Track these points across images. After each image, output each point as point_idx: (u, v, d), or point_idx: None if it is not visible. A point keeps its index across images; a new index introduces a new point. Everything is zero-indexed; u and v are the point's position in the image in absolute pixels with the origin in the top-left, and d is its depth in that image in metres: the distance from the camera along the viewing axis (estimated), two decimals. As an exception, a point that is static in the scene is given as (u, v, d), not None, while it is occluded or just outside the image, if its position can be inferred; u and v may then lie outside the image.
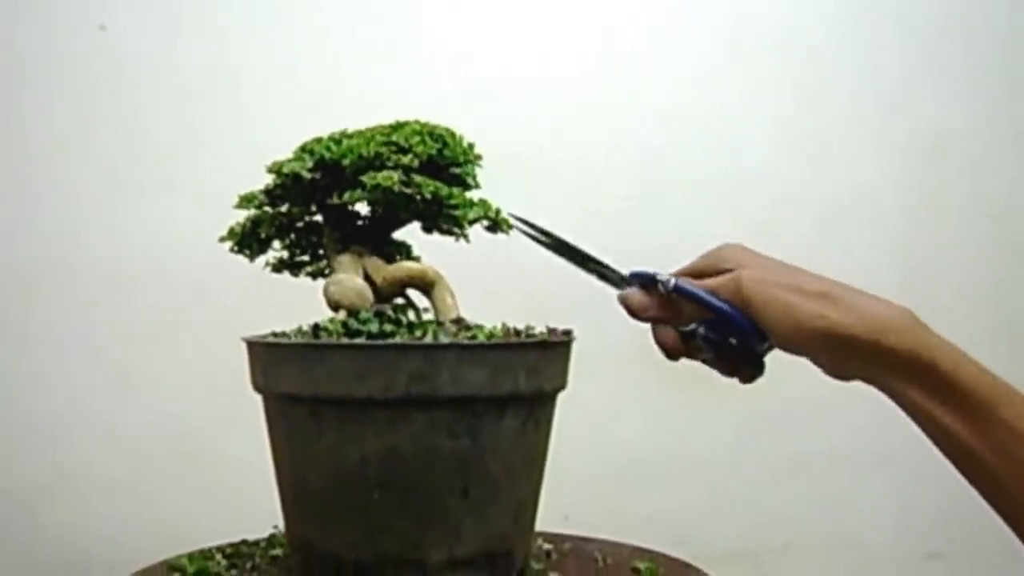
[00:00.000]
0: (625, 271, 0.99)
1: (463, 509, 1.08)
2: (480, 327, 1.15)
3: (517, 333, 1.15)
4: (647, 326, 1.57)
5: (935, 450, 2.06)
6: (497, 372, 1.06)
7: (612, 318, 1.76)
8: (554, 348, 1.14)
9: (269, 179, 1.22)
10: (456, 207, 1.17)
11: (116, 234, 1.72)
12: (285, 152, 1.73)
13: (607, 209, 1.83)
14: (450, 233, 1.22)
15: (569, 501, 1.45)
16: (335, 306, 1.16)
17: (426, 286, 1.18)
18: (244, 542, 1.29)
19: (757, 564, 1.91)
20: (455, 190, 1.17)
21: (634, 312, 0.97)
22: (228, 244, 1.25)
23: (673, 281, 0.92)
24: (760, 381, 1.89)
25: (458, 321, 1.14)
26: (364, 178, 1.15)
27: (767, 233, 1.80)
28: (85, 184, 1.72)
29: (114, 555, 1.65)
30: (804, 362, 1.88)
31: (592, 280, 1.05)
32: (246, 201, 1.23)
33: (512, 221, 1.12)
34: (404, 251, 1.28)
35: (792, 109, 1.93)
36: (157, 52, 1.73)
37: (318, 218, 1.26)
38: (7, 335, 1.69)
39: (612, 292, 1.02)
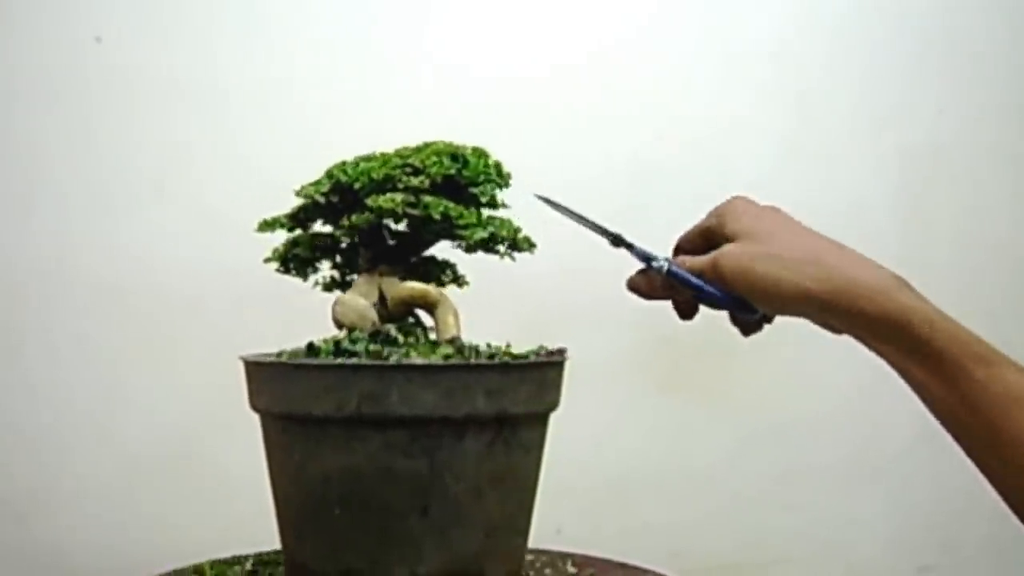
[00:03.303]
0: (641, 246, 1.02)
1: (423, 529, 1.08)
2: (475, 347, 1.15)
3: (478, 354, 1.14)
4: (642, 340, 1.58)
5: (927, 464, 2.07)
6: (451, 394, 1.06)
7: (607, 333, 1.77)
8: (521, 370, 1.12)
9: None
10: (465, 227, 1.18)
11: (109, 244, 1.72)
12: (278, 163, 1.74)
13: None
14: (489, 252, 1.22)
15: (562, 514, 1.45)
16: (339, 326, 1.19)
17: (429, 306, 1.20)
18: (275, 552, 1.31)
19: (748, 577, 1.92)
20: (466, 210, 1.18)
21: (640, 295, 1.02)
22: (274, 265, 1.29)
23: (665, 267, 0.98)
24: (752, 396, 1.90)
25: (452, 340, 1.15)
26: (368, 200, 1.17)
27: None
28: (79, 195, 1.72)
29: (105, 566, 1.65)
30: (797, 379, 1.90)
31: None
32: (267, 225, 1.26)
33: (540, 201, 1.13)
34: (443, 270, 1.29)
35: (786, 123, 1.93)
36: (152, 64, 1.73)
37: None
38: None
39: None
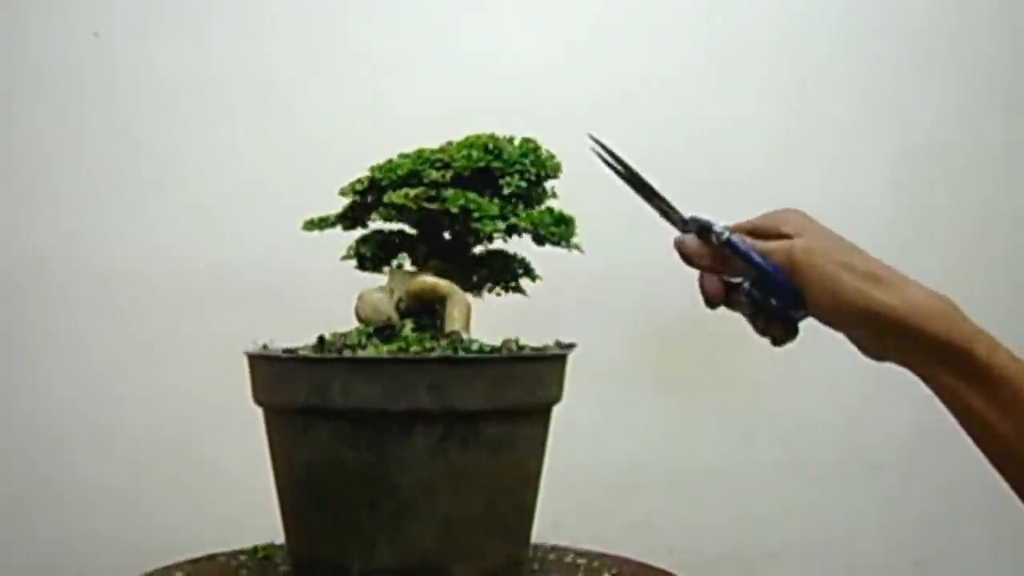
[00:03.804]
0: (687, 214, 0.99)
1: (374, 522, 1.09)
2: (471, 342, 1.14)
3: (470, 349, 1.13)
4: (642, 338, 1.57)
5: (923, 459, 2.06)
6: (392, 388, 1.06)
7: (607, 330, 1.77)
8: (473, 365, 1.09)
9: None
10: (479, 219, 1.15)
11: (108, 241, 1.72)
12: (277, 161, 1.74)
13: (594, 221, 1.84)
14: (558, 245, 1.20)
15: (560, 508, 1.46)
16: (359, 320, 1.20)
17: (437, 300, 1.18)
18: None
19: (746, 572, 1.92)
20: (485, 202, 1.15)
21: (687, 258, 0.97)
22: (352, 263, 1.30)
23: (726, 234, 0.93)
24: (750, 393, 1.90)
25: (450, 335, 1.14)
26: (384, 197, 1.17)
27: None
28: (78, 191, 1.72)
29: (105, 563, 1.66)
30: (794, 375, 1.88)
31: (657, 218, 1.02)
32: (313, 224, 1.26)
33: (590, 144, 1.07)
34: (511, 264, 1.26)
35: (782, 121, 1.93)
36: (151, 60, 1.73)
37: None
38: (-1, 344, 1.70)
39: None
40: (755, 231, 0.95)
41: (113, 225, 1.72)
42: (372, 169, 1.21)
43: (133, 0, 1.74)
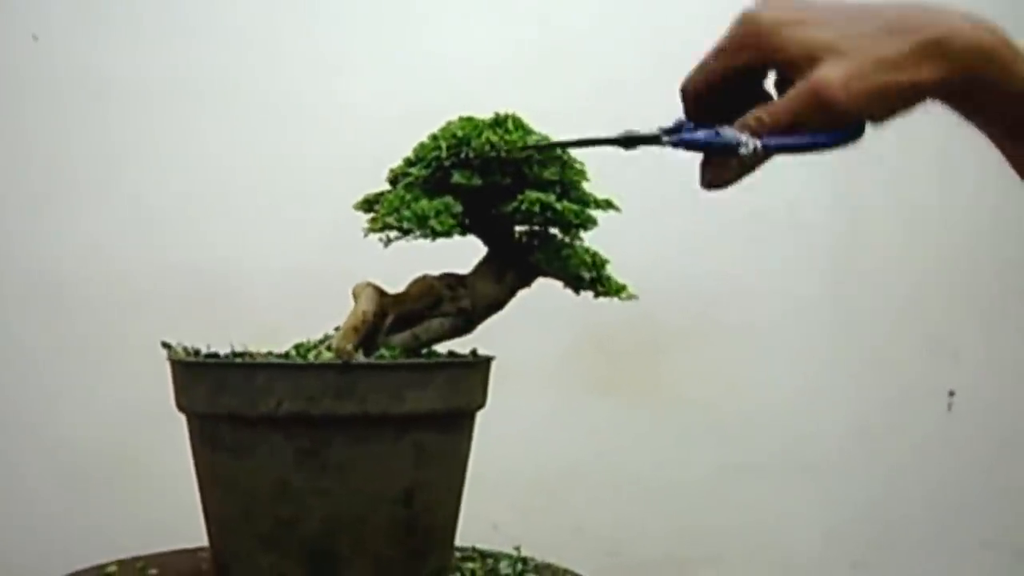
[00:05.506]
0: (657, 128, 0.87)
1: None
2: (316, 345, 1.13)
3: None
4: (578, 340, 1.53)
5: (860, 461, 2.07)
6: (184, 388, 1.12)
7: (541, 333, 1.78)
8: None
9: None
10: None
11: (46, 244, 1.69)
12: (219, 163, 1.73)
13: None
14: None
15: (498, 511, 1.46)
16: None
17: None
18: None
19: (685, 575, 1.94)
20: (390, 196, 1.12)
21: (716, 188, 0.82)
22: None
23: (758, 144, 0.76)
24: (686, 395, 1.90)
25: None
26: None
27: (694, 247, 1.82)
28: (15, 193, 1.70)
29: (41, 565, 1.64)
30: (730, 377, 1.87)
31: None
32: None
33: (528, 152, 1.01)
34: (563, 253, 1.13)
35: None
36: (89, 62, 1.72)
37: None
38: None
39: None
40: (739, 75, 0.78)
41: (51, 228, 1.71)
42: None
43: (72, 3, 1.73)
